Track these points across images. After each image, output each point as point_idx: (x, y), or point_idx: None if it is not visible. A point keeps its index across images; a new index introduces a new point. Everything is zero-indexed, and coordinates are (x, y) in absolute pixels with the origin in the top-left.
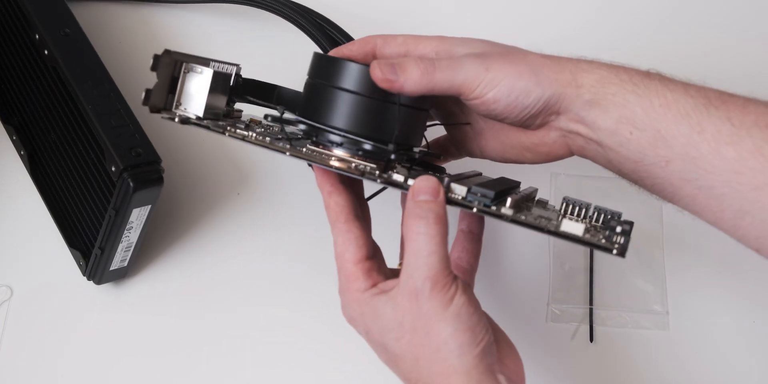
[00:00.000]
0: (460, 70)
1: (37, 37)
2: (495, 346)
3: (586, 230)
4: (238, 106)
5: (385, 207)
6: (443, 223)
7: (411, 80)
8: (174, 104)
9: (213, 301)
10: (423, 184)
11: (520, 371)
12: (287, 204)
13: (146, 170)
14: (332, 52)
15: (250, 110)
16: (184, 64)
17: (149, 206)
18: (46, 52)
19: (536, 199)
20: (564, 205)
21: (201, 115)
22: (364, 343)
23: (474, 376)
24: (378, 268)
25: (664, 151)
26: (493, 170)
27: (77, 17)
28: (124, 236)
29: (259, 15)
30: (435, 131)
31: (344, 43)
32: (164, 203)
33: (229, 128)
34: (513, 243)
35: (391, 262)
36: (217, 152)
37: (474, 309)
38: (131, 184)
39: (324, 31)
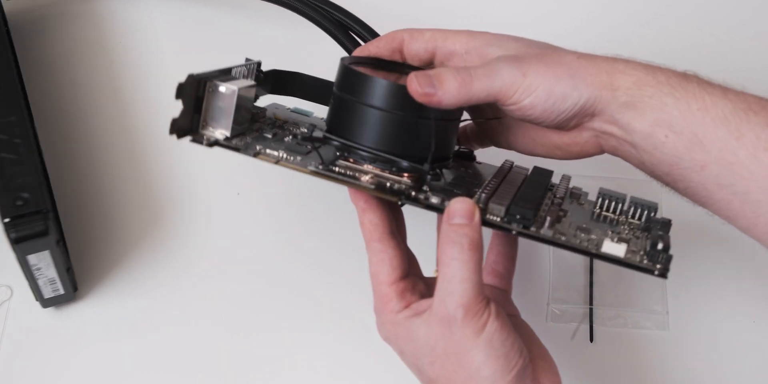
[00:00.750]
0: (497, 76)
1: None
2: (531, 367)
3: (628, 250)
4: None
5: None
6: (478, 248)
7: (449, 93)
8: (200, 125)
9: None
10: (458, 207)
11: None
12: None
13: (30, 220)
14: (358, 51)
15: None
16: (207, 83)
17: (47, 251)
18: None
19: (570, 190)
20: (600, 199)
21: (229, 134)
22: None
23: None
24: (413, 287)
25: (700, 156)
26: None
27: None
28: (37, 274)
29: (271, 10)
30: None
31: (365, 36)
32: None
33: (260, 150)
34: None
35: (427, 268)
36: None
37: (507, 334)
38: (12, 236)
39: (332, 19)
